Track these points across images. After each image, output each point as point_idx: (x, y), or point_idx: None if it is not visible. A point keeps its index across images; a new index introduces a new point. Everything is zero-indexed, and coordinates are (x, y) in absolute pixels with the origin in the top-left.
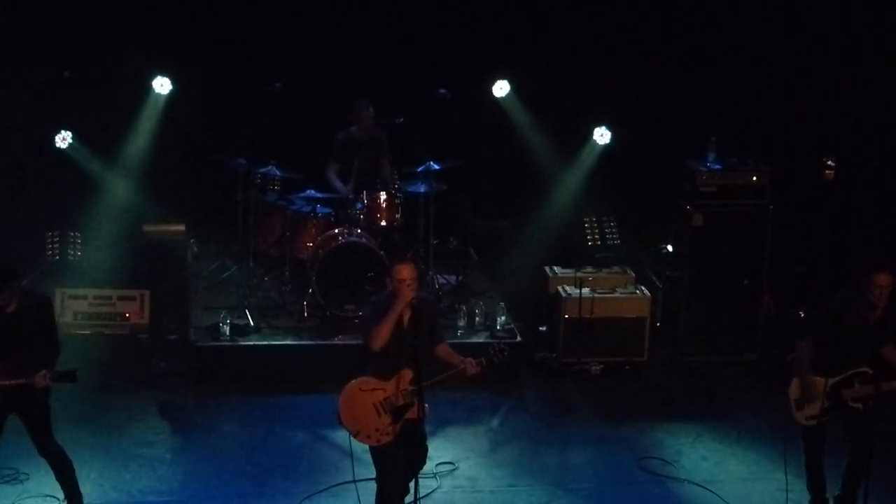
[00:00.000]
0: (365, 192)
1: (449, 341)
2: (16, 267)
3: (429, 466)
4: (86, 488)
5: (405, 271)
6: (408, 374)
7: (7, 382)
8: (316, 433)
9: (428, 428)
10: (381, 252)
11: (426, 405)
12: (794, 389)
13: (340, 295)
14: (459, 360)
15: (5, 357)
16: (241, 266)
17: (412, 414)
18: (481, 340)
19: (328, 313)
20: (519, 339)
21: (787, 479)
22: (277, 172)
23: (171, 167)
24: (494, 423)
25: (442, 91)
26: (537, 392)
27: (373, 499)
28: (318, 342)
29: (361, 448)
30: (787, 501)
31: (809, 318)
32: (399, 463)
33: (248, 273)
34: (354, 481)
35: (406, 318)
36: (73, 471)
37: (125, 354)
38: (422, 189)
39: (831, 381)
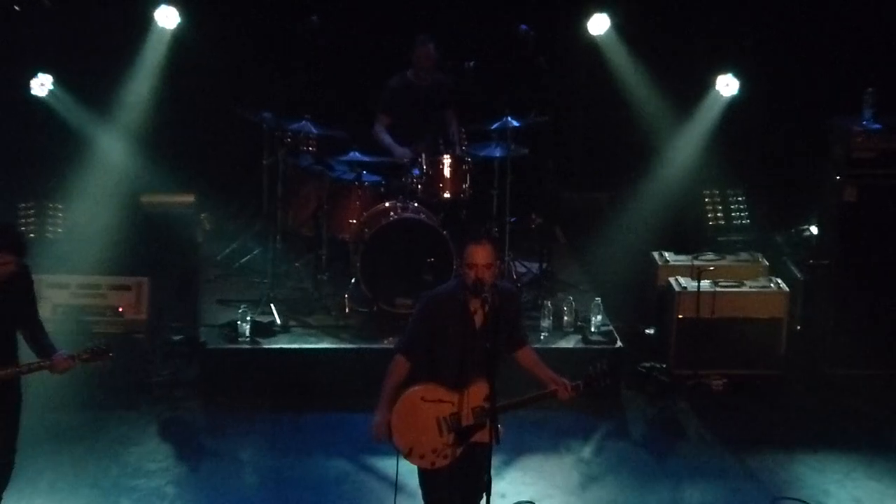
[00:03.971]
0: (424, 156)
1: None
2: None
3: None
4: None
5: (479, 254)
6: (482, 389)
7: (22, 367)
8: (358, 462)
9: (501, 457)
10: (444, 232)
11: (499, 427)
12: None
13: (391, 286)
14: (549, 375)
15: None
16: (265, 248)
17: (480, 438)
18: (570, 346)
19: (375, 309)
20: (619, 344)
21: None
22: (313, 129)
23: (179, 122)
24: (587, 451)
25: (523, 27)
26: (642, 412)
27: None
28: (363, 346)
29: (410, 482)
30: None
31: None
32: (453, 497)
33: (274, 257)
34: None
35: (479, 316)
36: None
37: (118, 359)
38: (497, 153)
39: None
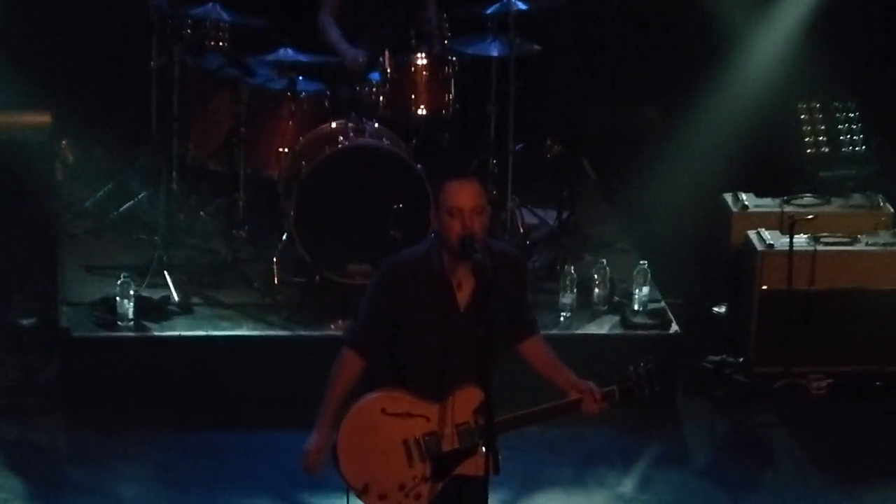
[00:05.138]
0: (388, 55)
1: (545, 333)
2: None
3: None
4: None
5: (464, 194)
6: (471, 398)
7: None
8: (292, 502)
9: (502, 494)
10: (419, 165)
11: (498, 451)
12: None
13: (340, 246)
14: (569, 379)
15: None
16: (155, 190)
17: (470, 469)
18: (604, 332)
19: (317, 279)
20: (675, 329)
21: None
22: (224, 16)
23: (27, 8)
24: (627, 485)
25: None
26: (708, 428)
27: None
28: (299, 333)
29: None
30: None
31: None
32: None
33: (168, 203)
34: None
35: (465, 290)
36: None
37: None
38: (494, 51)
39: None
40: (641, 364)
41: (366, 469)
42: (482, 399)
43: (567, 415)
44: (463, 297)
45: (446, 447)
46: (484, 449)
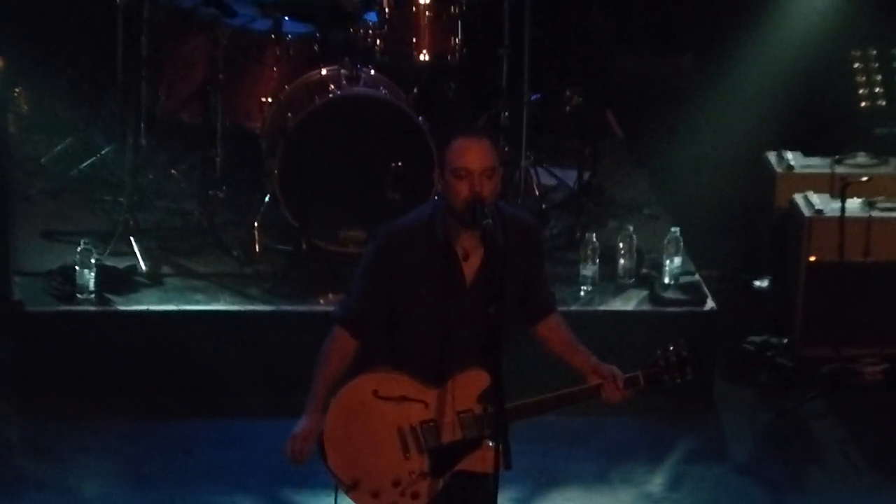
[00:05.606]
0: None
1: (563, 309)
2: None
3: None
4: None
5: (473, 153)
6: (476, 381)
7: None
8: (274, 499)
9: (513, 492)
10: (420, 118)
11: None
12: None
13: (330, 209)
14: (589, 362)
15: None
16: (120, 145)
17: (477, 464)
18: (629, 308)
19: (304, 247)
20: (711, 305)
21: None
22: None
23: None
24: (656, 482)
25: None
26: (748, 418)
27: None
28: (283, 308)
29: None
30: None
31: None
32: None
33: (136, 160)
34: None
35: (472, 262)
36: None
37: None
38: None
39: None
40: (671, 347)
41: (356, 461)
42: (487, 383)
43: (586, 402)
44: (470, 269)
45: (447, 438)
46: (492, 441)
